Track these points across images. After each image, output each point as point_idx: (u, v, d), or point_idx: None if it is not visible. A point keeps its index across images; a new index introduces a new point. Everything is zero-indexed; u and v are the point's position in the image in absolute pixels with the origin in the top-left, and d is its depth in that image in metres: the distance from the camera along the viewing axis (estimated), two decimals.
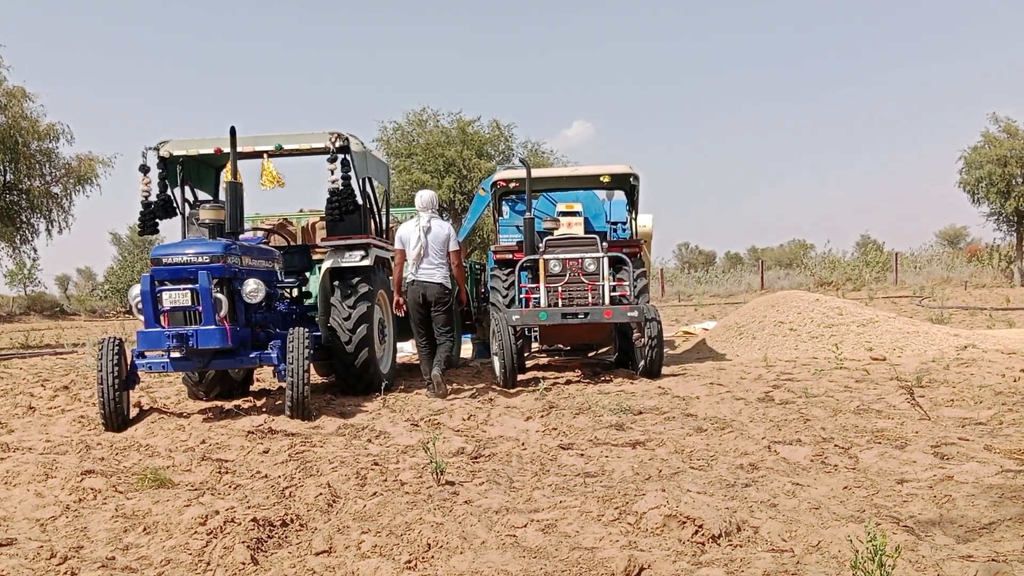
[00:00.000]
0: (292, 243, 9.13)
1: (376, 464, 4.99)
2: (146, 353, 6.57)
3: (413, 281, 7.79)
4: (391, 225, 9.75)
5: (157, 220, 7.83)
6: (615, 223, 11.32)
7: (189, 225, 7.95)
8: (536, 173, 9.96)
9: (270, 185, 7.58)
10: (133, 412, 6.82)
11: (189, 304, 6.43)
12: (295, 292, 8.17)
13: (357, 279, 7.77)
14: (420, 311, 7.85)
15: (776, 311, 11.29)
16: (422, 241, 7.75)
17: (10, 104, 19.64)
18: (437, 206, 8.07)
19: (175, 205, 8.04)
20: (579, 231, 9.89)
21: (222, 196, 8.33)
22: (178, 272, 6.45)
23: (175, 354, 6.45)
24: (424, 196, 7.99)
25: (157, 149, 7.88)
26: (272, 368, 6.98)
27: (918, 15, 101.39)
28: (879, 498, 4.05)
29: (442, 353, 7.86)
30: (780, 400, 6.83)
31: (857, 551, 2.83)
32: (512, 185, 10.20)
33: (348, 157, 7.67)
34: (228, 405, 7.34)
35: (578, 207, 10.35)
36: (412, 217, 8.21)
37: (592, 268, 8.77)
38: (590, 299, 8.69)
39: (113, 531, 3.92)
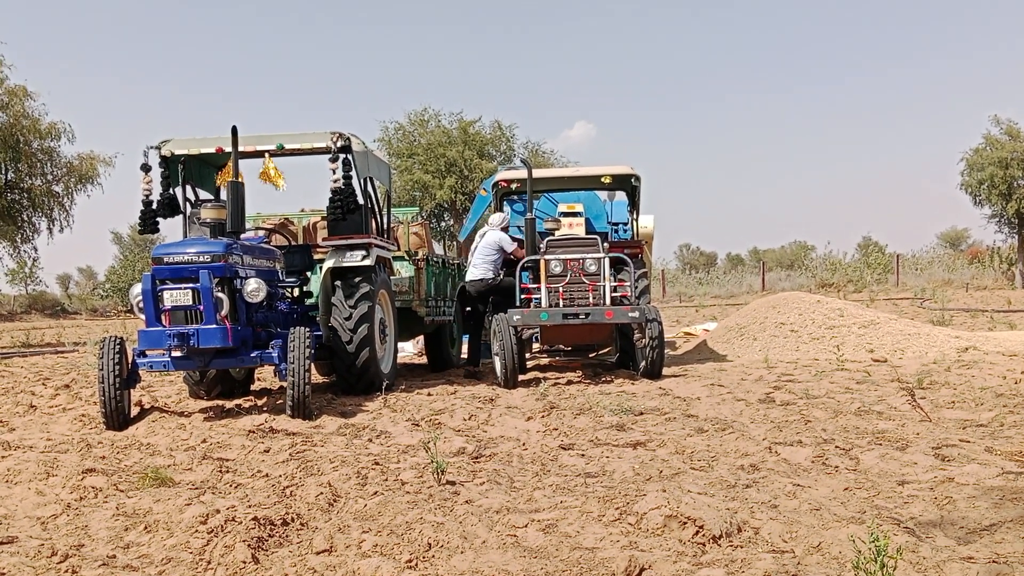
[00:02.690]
0: (293, 243, 9.14)
1: (377, 464, 4.99)
2: (147, 352, 6.58)
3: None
4: (392, 225, 9.77)
5: (158, 219, 7.84)
6: (616, 224, 11.32)
7: (190, 224, 7.95)
8: (537, 173, 9.97)
9: (265, 180, 7.59)
10: (134, 411, 6.82)
11: (190, 303, 6.42)
12: (296, 292, 8.16)
13: (358, 279, 7.76)
14: (471, 303, 9.90)
15: (777, 312, 11.29)
16: (476, 245, 9.74)
17: (12, 103, 19.63)
18: (500, 225, 9.81)
19: (177, 204, 8.04)
20: (580, 232, 9.89)
21: (223, 195, 8.34)
22: (179, 271, 6.44)
23: (176, 353, 6.46)
24: (491, 217, 10.05)
25: (159, 148, 7.88)
26: (273, 367, 6.98)
27: (920, 14, 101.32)
28: (880, 499, 4.05)
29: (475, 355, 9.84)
30: (781, 401, 6.83)
31: (859, 552, 2.83)
32: (513, 186, 10.20)
33: (349, 157, 7.67)
34: (229, 404, 7.34)
35: (579, 208, 10.35)
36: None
37: (593, 269, 8.76)
38: (591, 300, 8.68)
39: (114, 529, 3.93)
